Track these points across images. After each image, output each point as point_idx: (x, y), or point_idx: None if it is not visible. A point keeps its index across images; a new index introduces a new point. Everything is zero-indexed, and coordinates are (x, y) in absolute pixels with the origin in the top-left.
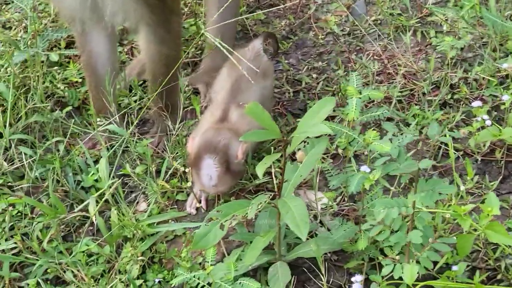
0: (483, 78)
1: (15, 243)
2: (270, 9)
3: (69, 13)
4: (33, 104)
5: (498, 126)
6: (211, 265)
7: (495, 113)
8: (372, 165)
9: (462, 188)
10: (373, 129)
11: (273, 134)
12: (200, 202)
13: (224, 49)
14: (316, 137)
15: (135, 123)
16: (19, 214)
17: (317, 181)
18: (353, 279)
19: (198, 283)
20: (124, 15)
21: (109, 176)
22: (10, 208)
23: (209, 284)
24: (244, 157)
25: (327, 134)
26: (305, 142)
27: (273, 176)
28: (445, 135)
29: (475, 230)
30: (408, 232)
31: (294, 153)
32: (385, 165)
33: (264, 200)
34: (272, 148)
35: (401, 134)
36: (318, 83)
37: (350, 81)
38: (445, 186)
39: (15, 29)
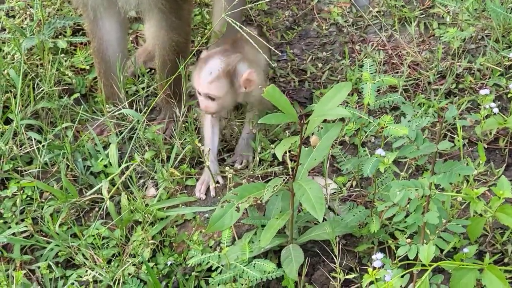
0: (487, 68)
1: (26, 226)
2: (274, 1)
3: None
4: (41, 90)
5: (502, 115)
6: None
7: (499, 102)
8: (384, 150)
9: (475, 171)
10: (379, 116)
11: (290, 118)
12: (208, 187)
13: (244, 33)
14: (329, 122)
15: (144, 110)
16: (28, 198)
17: (327, 166)
18: (373, 256)
19: (212, 265)
20: (136, 1)
21: (119, 162)
22: (20, 192)
23: (223, 266)
24: (247, 86)
25: (339, 119)
26: (318, 127)
27: (287, 160)
28: (459, 119)
29: (481, 215)
30: (423, 214)
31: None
32: (403, 147)
33: (280, 183)
34: (282, 131)
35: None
36: (323, 73)
37: (363, 68)
38: (462, 167)
39: (20, 17)
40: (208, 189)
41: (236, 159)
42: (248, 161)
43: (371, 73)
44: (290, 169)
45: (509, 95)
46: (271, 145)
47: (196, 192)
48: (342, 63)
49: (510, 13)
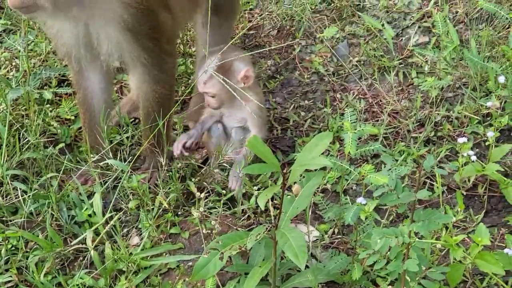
0: (465, 116)
1: (11, 276)
2: (256, 51)
3: (66, 50)
4: (27, 141)
5: (480, 162)
6: None
7: (477, 149)
8: (366, 197)
9: (454, 219)
10: (360, 164)
11: (272, 168)
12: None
13: (228, 88)
14: (311, 171)
15: (129, 159)
16: (13, 248)
17: (309, 214)
18: None
19: None
20: (119, 55)
21: (103, 211)
22: (5, 242)
23: None
24: (245, 81)
25: (321, 168)
26: (300, 175)
27: (270, 208)
28: (438, 168)
29: (461, 262)
30: (403, 261)
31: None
32: (383, 196)
33: (263, 231)
34: (267, 179)
35: (393, 167)
36: (305, 121)
37: (344, 117)
38: (440, 215)
39: (5, 68)
40: (194, 236)
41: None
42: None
43: (352, 122)
44: (273, 217)
45: (487, 143)
46: (256, 191)
47: (174, 150)
48: (324, 111)
49: (487, 62)
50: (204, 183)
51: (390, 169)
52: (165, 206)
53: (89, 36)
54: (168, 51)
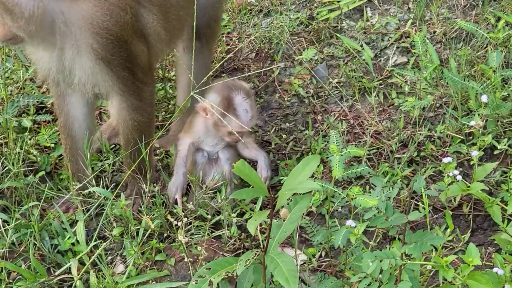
0: (447, 136)
1: None
2: (236, 76)
3: (44, 75)
4: (7, 170)
5: (465, 181)
6: None
7: (460, 169)
8: (353, 219)
9: (444, 239)
10: (345, 186)
11: (261, 192)
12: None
13: (212, 109)
14: (299, 194)
15: (111, 186)
16: None
17: (297, 237)
18: None
19: None
20: (93, 84)
21: (87, 239)
22: None
23: None
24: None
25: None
26: (287, 199)
27: (258, 234)
28: (426, 189)
29: (450, 282)
30: (396, 284)
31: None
32: (374, 219)
33: (252, 257)
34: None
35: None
36: (287, 144)
37: (330, 139)
38: (433, 237)
39: None
40: (180, 262)
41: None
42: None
43: (337, 144)
44: (261, 242)
45: (471, 162)
46: (235, 218)
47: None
48: (306, 134)
49: (467, 81)
50: (189, 206)
51: (381, 190)
52: (150, 233)
53: (63, 64)
54: (144, 81)
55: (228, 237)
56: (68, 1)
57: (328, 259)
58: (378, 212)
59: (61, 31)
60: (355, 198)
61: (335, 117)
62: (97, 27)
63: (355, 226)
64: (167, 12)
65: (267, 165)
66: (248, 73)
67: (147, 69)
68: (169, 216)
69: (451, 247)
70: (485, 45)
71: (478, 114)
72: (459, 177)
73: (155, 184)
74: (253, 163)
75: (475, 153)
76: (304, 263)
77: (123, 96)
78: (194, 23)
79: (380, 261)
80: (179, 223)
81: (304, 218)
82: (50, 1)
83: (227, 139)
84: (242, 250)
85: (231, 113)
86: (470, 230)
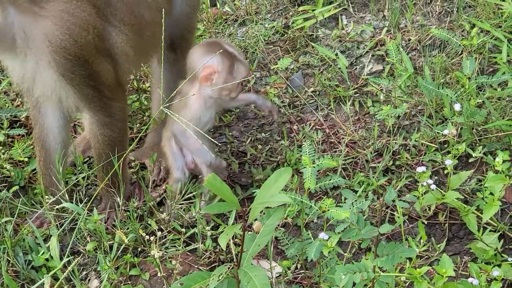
0: (422, 144)
1: None
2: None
3: (18, 85)
4: None
5: (440, 190)
6: None
7: (435, 177)
8: (328, 232)
9: (417, 250)
10: (320, 197)
11: (232, 206)
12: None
13: (182, 124)
14: (272, 207)
15: (85, 200)
16: None
17: (271, 250)
18: None
19: None
20: (58, 98)
21: (61, 255)
22: None
23: None
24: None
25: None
26: (261, 212)
27: (232, 247)
28: (398, 200)
29: None
30: None
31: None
32: (346, 231)
33: (225, 271)
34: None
35: (355, 201)
36: (262, 154)
37: (302, 151)
38: (404, 249)
39: None
40: (154, 277)
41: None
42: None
43: (311, 155)
44: (234, 256)
45: (445, 171)
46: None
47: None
48: (281, 144)
49: (441, 89)
50: (162, 216)
51: (352, 203)
52: (124, 247)
53: (27, 76)
54: (111, 97)
55: (203, 250)
56: (29, 17)
57: (303, 271)
58: (352, 224)
59: (21, 46)
60: (328, 210)
61: (311, 126)
62: (55, 46)
63: (328, 239)
64: (140, 30)
65: (264, 98)
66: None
67: (114, 86)
68: (141, 231)
69: (426, 256)
70: (460, 52)
71: (452, 123)
72: (433, 186)
73: (133, 198)
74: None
75: (449, 162)
76: (280, 275)
77: (92, 112)
78: (162, 36)
79: (353, 274)
80: (151, 238)
81: (280, 229)
82: (10, 15)
83: (230, 97)
84: (217, 263)
85: (237, 64)
86: (446, 239)
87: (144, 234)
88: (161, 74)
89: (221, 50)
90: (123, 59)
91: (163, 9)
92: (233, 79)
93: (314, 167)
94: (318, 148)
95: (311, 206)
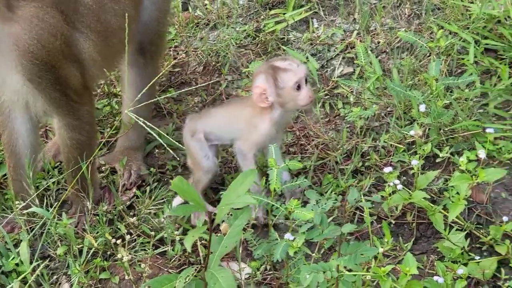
0: (391, 145)
1: None
2: (183, 90)
3: None
4: None
5: (408, 190)
6: None
7: (404, 177)
8: (294, 232)
9: (381, 250)
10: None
11: (198, 208)
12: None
13: (148, 128)
14: (239, 209)
15: (55, 204)
16: None
17: (240, 251)
18: None
19: None
20: (25, 102)
21: (31, 259)
22: None
23: None
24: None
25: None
26: (228, 214)
27: (199, 249)
28: (361, 201)
29: None
30: None
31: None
32: (309, 232)
33: (192, 273)
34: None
35: (318, 202)
36: (233, 157)
37: (268, 153)
38: (367, 248)
39: None
40: (124, 280)
41: None
42: None
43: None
44: (202, 258)
45: (411, 171)
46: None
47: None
48: None
49: (409, 91)
50: (131, 220)
51: (315, 204)
52: (94, 251)
53: None
54: (79, 101)
55: (173, 253)
56: (1, 22)
57: (272, 272)
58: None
59: None
60: (293, 211)
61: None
62: (23, 50)
63: (294, 239)
64: (107, 37)
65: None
66: (196, 86)
67: (81, 91)
68: (107, 235)
69: (394, 256)
70: (428, 54)
71: (418, 124)
72: (399, 186)
73: (102, 202)
74: None
75: (415, 162)
76: (249, 276)
77: (59, 116)
78: (126, 40)
79: (318, 273)
80: (118, 242)
81: (249, 231)
82: None
83: (301, 105)
84: (187, 266)
85: (279, 74)
86: (413, 238)
87: (110, 238)
88: (126, 78)
89: (266, 67)
90: (91, 64)
91: (129, 16)
92: (282, 90)
93: (279, 168)
94: (289, 150)
95: (277, 207)
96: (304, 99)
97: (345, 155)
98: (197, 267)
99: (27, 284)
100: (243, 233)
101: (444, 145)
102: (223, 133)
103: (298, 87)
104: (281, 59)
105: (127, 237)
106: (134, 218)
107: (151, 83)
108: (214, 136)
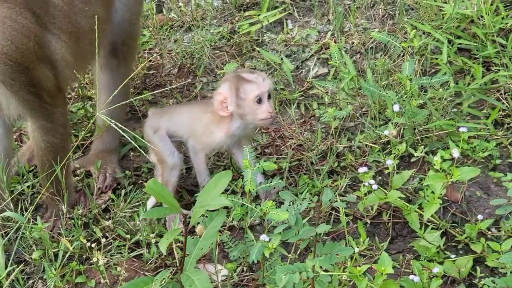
0: (366, 145)
1: None
2: (157, 91)
3: None
4: None
5: (383, 190)
6: None
7: (379, 177)
8: (270, 233)
9: (356, 250)
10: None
11: (173, 210)
12: None
13: (120, 130)
14: (214, 210)
15: (30, 209)
16: None
17: (216, 253)
18: None
19: None
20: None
21: (6, 264)
22: None
23: None
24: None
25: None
26: (203, 215)
27: (174, 252)
28: (336, 201)
29: None
30: None
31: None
32: (284, 233)
33: (168, 276)
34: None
35: (293, 203)
36: (209, 158)
37: (243, 155)
38: (342, 248)
39: None
40: (100, 284)
41: None
42: None
43: (255, 158)
44: (177, 260)
45: (386, 171)
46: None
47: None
48: None
49: (383, 91)
50: (107, 223)
51: (290, 205)
52: (70, 255)
53: None
54: (52, 103)
55: (149, 256)
56: None
57: (249, 274)
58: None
59: None
60: (268, 212)
61: (256, 130)
62: None
63: (269, 240)
64: (78, 39)
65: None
66: (170, 87)
67: (54, 92)
68: (82, 238)
69: (370, 255)
70: (402, 54)
71: (393, 123)
72: (375, 186)
73: (77, 206)
74: None
75: (390, 162)
76: (226, 278)
77: (33, 118)
78: (96, 42)
79: (293, 274)
80: (93, 245)
81: (225, 232)
82: None
83: (259, 118)
84: (163, 269)
85: (243, 84)
86: (389, 237)
87: (85, 241)
88: (97, 80)
89: (230, 76)
90: (63, 66)
91: (100, 17)
92: (242, 101)
93: (253, 169)
94: (264, 151)
95: (252, 208)
96: (263, 113)
97: (320, 155)
98: (173, 270)
99: None
100: (219, 235)
101: (419, 144)
102: (182, 130)
103: (259, 101)
104: (249, 71)
105: (103, 240)
106: (110, 221)
107: (123, 83)
108: (175, 134)
